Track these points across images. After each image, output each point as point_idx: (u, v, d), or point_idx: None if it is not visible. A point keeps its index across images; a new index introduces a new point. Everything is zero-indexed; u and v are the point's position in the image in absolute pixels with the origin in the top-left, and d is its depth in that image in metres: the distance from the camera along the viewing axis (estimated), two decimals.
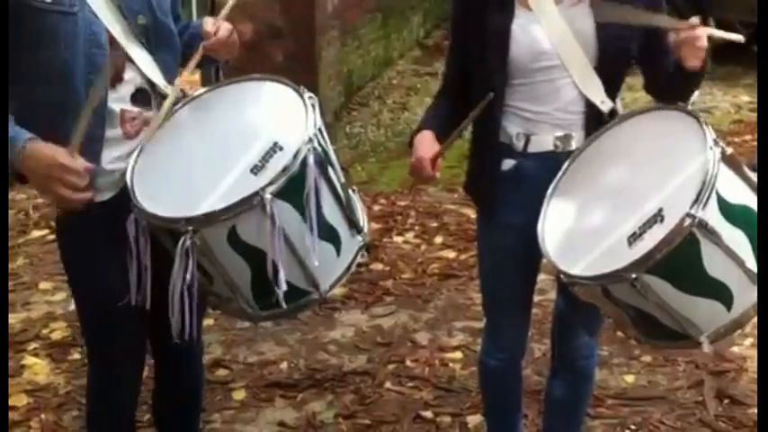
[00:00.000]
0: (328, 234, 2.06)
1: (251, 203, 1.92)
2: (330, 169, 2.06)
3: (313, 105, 2.05)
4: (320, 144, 2.02)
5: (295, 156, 1.95)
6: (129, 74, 2.13)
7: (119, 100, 2.12)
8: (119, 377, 2.30)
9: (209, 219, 1.94)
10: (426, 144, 2.30)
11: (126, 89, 2.13)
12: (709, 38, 2.11)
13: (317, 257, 2.00)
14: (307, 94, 2.08)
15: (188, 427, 2.57)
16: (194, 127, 2.15)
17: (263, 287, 2.01)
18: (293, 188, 1.96)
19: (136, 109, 2.15)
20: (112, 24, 2.09)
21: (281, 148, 1.97)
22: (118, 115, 2.12)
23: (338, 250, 2.09)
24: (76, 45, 2.04)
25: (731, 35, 2.15)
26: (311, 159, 1.96)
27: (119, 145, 2.13)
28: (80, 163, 1.98)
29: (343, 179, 2.13)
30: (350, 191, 2.16)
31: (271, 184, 1.92)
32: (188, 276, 1.96)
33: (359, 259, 2.16)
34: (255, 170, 1.96)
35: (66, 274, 2.30)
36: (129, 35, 2.11)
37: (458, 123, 2.34)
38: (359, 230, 2.15)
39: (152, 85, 2.16)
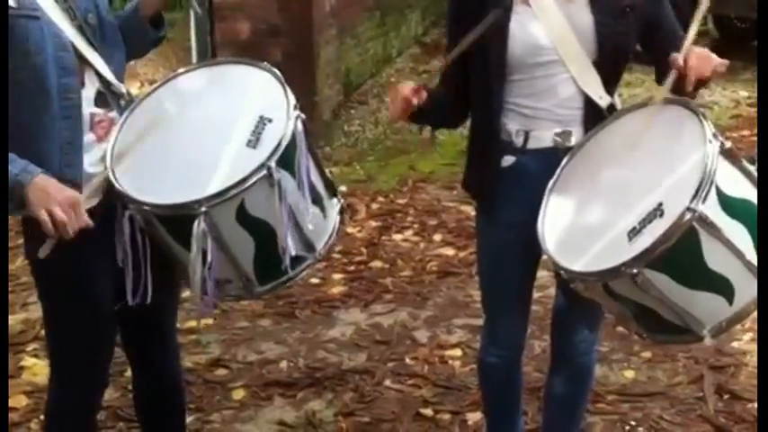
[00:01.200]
0: (316, 197, 2.14)
1: (258, 175, 1.97)
2: (307, 137, 2.12)
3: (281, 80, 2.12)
4: (297, 117, 2.08)
5: (287, 124, 2.02)
6: (89, 77, 2.11)
7: (85, 104, 2.10)
8: (84, 390, 2.27)
9: (221, 196, 1.97)
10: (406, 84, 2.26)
11: (89, 92, 2.12)
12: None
13: (310, 221, 2.08)
14: (274, 70, 2.15)
15: (175, 424, 2.55)
16: (173, 116, 2.17)
17: (266, 260, 2.06)
18: (289, 156, 2.03)
19: (101, 111, 2.13)
20: (66, 27, 2.07)
21: (269, 120, 2.05)
22: (87, 119, 2.11)
23: (324, 213, 2.18)
24: (46, 49, 2.02)
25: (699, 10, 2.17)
26: (300, 126, 2.04)
27: (92, 149, 2.11)
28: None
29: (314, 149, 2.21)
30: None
31: (273, 153, 1.99)
32: (209, 258, 1.99)
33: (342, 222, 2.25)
34: (251, 144, 2.03)
35: (41, 287, 2.22)
36: (79, 36, 2.09)
37: (452, 114, 2.35)
38: (333, 192, 2.25)
39: (107, 86, 2.14)
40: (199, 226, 1.97)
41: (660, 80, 2.31)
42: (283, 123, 2.02)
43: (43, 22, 2.03)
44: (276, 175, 1.98)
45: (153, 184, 2.04)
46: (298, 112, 2.04)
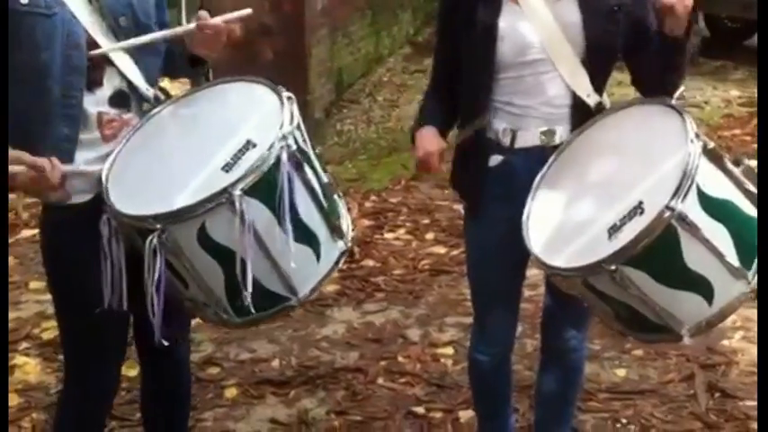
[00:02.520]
0: (305, 237, 2.02)
1: (219, 200, 1.89)
2: (308, 169, 2.03)
3: (291, 104, 2.02)
4: (297, 143, 1.99)
5: (267, 153, 1.92)
6: (108, 76, 2.12)
7: (96, 102, 2.11)
8: (95, 390, 2.28)
9: (175, 216, 1.92)
10: (429, 138, 2.31)
11: (105, 92, 2.12)
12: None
13: (292, 259, 1.96)
14: (285, 94, 2.05)
15: (177, 427, 2.57)
16: (172, 128, 2.14)
17: (237, 291, 1.97)
18: (265, 186, 1.93)
19: (114, 111, 2.13)
20: (92, 26, 2.07)
21: (254, 146, 1.95)
22: (94, 118, 2.11)
23: (317, 255, 2.05)
24: (53, 46, 2.03)
25: None
26: (284, 157, 1.93)
27: (95, 147, 2.12)
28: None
29: (326, 180, 2.10)
30: (335, 195, 2.14)
31: (240, 180, 1.89)
32: (156, 277, 1.94)
33: (340, 265, 2.11)
34: (227, 168, 1.94)
35: (48, 279, 2.27)
36: (110, 37, 2.10)
37: (452, 116, 2.37)
38: (340, 235, 2.10)
39: (132, 87, 2.14)
40: (151, 242, 1.92)
41: (636, 80, 2.34)
42: (262, 151, 1.92)
43: (57, 20, 2.03)
44: (241, 204, 1.88)
45: (130, 193, 2.02)
46: (284, 143, 1.93)
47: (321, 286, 2.10)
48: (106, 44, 2.09)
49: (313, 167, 2.06)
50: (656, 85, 2.24)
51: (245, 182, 1.90)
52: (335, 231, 2.09)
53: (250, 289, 1.94)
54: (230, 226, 1.90)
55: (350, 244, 2.13)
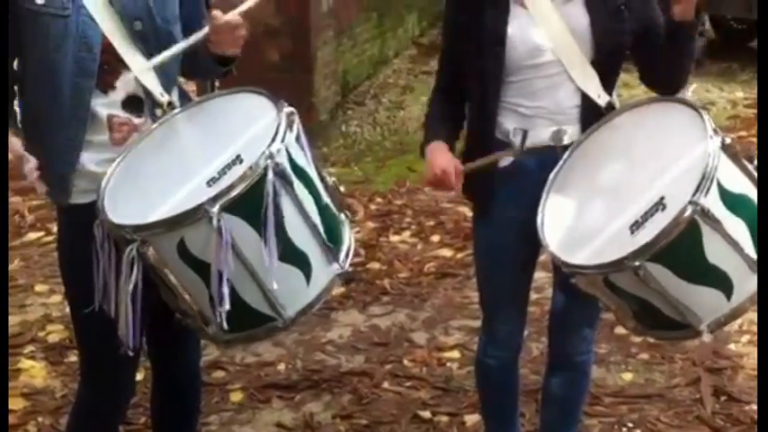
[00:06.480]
0: (294, 257, 1.97)
1: (195, 216, 1.86)
2: (302, 188, 1.97)
3: (290, 121, 1.98)
4: (291, 160, 1.94)
5: (249, 169, 1.88)
6: (122, 80, 2.12)
7: (108, 105, 2.11)
8: (109, 393, 2.28)
9: (152, 229, 1.90)
10: (443, 155, 2.29)
11: (117, 95, 2.12)
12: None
13: (274, 279, 1.91)
14: (286, 109, 2.00)
15: (185, 430, 2.57)
16: (173, 139, 2.12)
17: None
18: (248, 203, 1.88)
19: (125, 115, 2.13)
20: (110, 30, 2.08)
21: (241, 161, 1.91)
22: (105, 120, 2.11)
23: (307, 276, 1.99)
24: (65, 47, 2.04)
25: None
26: (270, 174, 1.87)
27: (104, 149, 2.12)
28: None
29: (325, 201, 2.05)
30: (340, 216, 2.09)
31: (219, 196, 1.86)
32: (130, 287, 1.94)
33: (334, 288, 2.06)
34: (211, 182, 1.91)
35: (62, 279, 2.29)
36: (126, 41, 2.10)
37: (459, 122, 2.37)
38: (336, 258, 2.03)
39: (147, 92, 2.14)
40: (130, 252, 1.92)
41: (644, 76, 2.34)
42: (245, 168, 1.88)
43: (70, 21, 2.04)
44: (219, 220, 1.84)
45: (123, 200, 2.01)
46: (272, 161, 1.88)
47: (311, 309, 2.03)
48: (122, 49, 2.09)
49: (310, 185, 2.00)
50: (664, 79, 2.26)
51: (226, 198, 1.86)
52: (330, 253, 2.02)
53: (227, 306, 1.90)
54: (209, 242, 1.87)
55: (346, 268, 2.05)
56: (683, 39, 2.20)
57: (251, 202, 1.89)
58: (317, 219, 2.00)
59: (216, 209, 1.85)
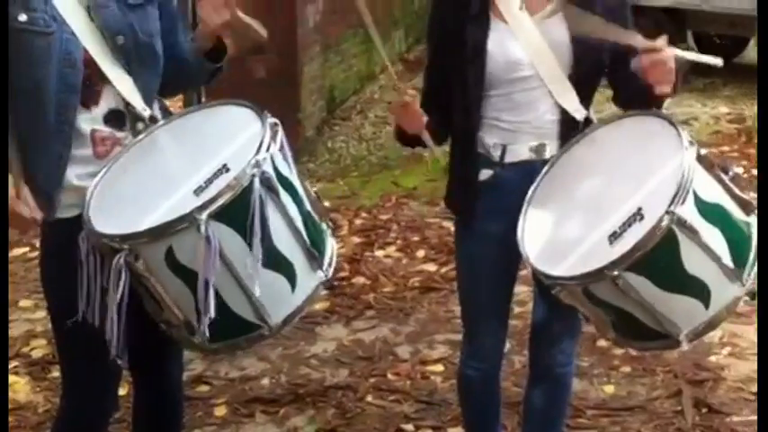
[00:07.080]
0: (278, 264, 1.99)
1: (183, 224, 1.88)
2: (286, 196, 2.00)
3: (274, 131, 2.00)
4: (276, 169, 1.97)
5: (236, 178, 1.90)
6: (105, 95, 2.13)
7: (91, 121, 2.12)
8: (91, 408, 2.27)
9: (141, 237, 1.92)
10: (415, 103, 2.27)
11: (100, 110, 2.13)
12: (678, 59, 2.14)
13: (259, 286, 1.94)
14: (270, 120, 2.03)
15: None
16: (158, 150, 2.14)
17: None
18: (236, 212, 1.91)
19: (107, 129, 2.14)
20: (91, 45, 2.09)
21: (227, 170, 1.94)
22: (88, 135, 2.12)
23: (292, 284, 2.01)
24: (49, 64, 2.05)
25: (706, 57, 2.18)
26: (256, 183, 1.91)
27: (88, 163, 2.13)
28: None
29: (308, 209, 2.07)
30: (322, 225, 2.11)
31: (207, 204, 1.88)
32: (118, 297, 1.94)
33: (319, 296, 2.08)
34: (198, 191, 1.94)
35: (44, 294, 2.29)
36: (108, 56, 2.11)
37: (443, 132, 2.36)
38: (320, 266, 2.06)
39: (128, 106, 2.15)
40: (118, 261, 1.93)
41: (617, 100, 2.36)
42: (232, 177, 1.91)
43: (54, 38, 2.05)
44: (207, 229, 1.86)
45: (109, 211, 2.02)
46: (258, 170, 1.91)
47: (296, 317, 2.05)
48: (104, 64, 2.10)
49: (294, 194, 2.03)
50: (639, 101, 2.26)
51: (213, 206, 1.88)
52: (314, 261, 2.05)
53: (212, 314, 1.92)
54: (196, 249, 1.89)
55: (330, 275, 2.08)
56: (660, 99, 2.19)
57: (238, 211, 1.91)
58: (301, 227, 2.03)
59: (204, 216, 1.87)
